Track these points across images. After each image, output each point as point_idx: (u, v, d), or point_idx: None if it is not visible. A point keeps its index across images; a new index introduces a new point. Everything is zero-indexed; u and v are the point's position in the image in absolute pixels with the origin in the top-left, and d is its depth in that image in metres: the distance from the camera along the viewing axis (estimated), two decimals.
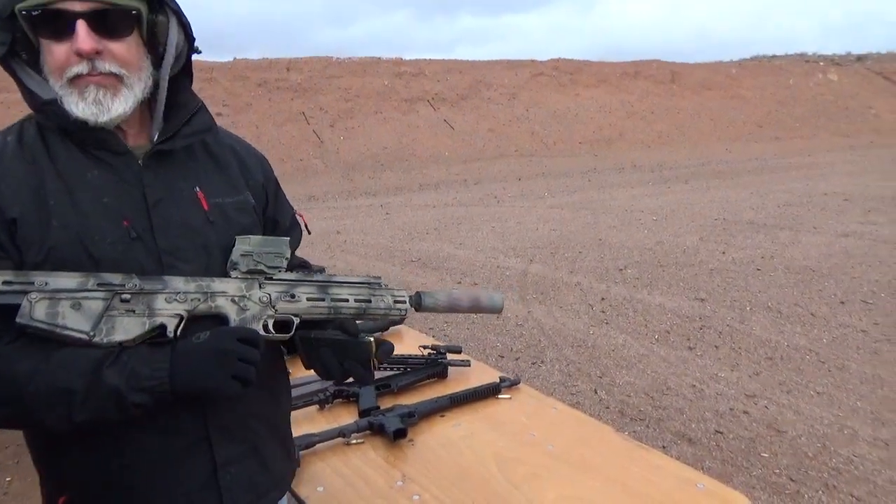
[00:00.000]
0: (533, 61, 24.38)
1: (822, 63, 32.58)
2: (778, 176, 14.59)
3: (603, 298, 5.68)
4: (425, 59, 22.52)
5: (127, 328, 0.92)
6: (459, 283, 6.38)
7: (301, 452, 1.56)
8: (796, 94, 27.97)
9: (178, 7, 1.02)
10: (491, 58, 24.02)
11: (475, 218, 10.28)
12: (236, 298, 1.01)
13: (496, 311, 1.34)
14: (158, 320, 0.94)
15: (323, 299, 1.09)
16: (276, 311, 1.05)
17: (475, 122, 20.36)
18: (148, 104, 1.05)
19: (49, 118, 0.97)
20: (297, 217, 1.30)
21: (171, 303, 0.95)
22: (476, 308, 1.31)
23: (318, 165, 16.59)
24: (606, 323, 5.04)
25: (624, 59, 26.43)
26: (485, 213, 10.84)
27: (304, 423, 1.73)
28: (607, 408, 3.61)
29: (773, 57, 38.04)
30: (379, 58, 21.88)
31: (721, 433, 3.29)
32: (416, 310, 1.23)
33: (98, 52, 0.93)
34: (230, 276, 1.03)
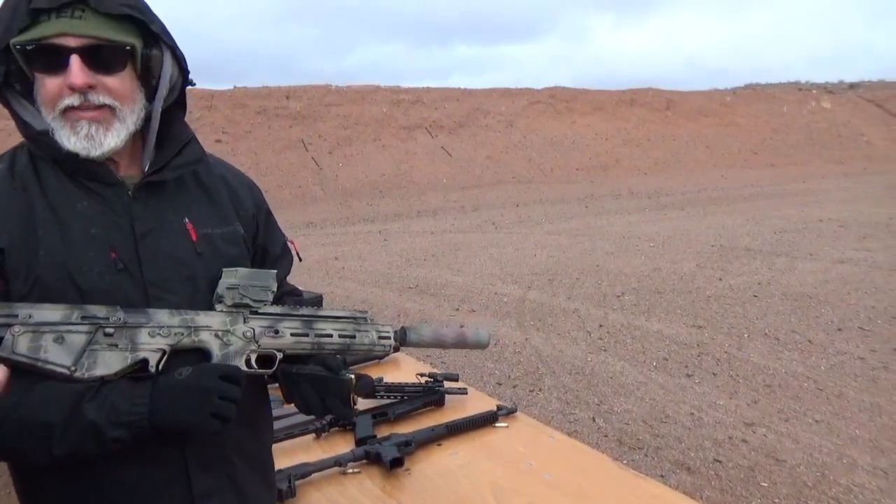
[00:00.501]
0: (529, 89, 24.65)
1: (814, 91, 33.00)
2: (773, 202, 14.68)
3: (601, 325, 5.67)
4: (423, 87, 22.77)
5: (109, 363, 0.91)
6: (457, 309, 6.38)
7: (297, 482, 1.55)
8: (790, 121, 28.27)
9: (174, 42, 1.04)
10: (487, 86, 24.30)
11: (473, 244, 10.31)
12: (220, 333, 1.01)
13: (481, 346, 1.34)
14: (141, 355, 0.93)
15: (307, 335, 1.09)
16: (259, 346, 1.04)
17: (473, 150, 20.52)
18: (140, 135, 1.06)
19: (41, 148, 0.98)
20: (289, 244, 1.30)
21: (155, 337, 0.95)
22: (461, 344, 1.32)
23: (317, 192, 16.67)
24: (604, 350, 5.04)
25: (618, 87, 26.78)
26: (482, 239, 10.87)
27: (300, 452, 1.72)
28: (606, 436, 3.59)
29: (767, 85, 38.50)
30: (377, 86, 22.12)
31: (720, 462, 3.27)
32: (401, 345, 1.23)
33: (91, 87, 0.94)
34: (215, 309, 1.03)
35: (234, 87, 20.06)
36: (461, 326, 1.29)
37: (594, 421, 3.78)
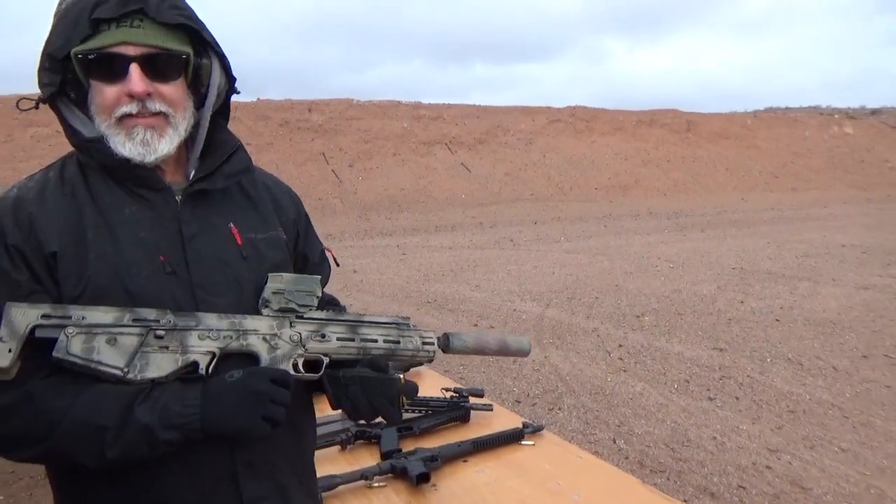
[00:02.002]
0: (549, 108, 24.73)
1: (836, 116, 32.75)
2: (794, 226, 14.53)
3: (620, 345, 5.62)
4: (444, 104, 22.92)
5: (160, 365, 0.92)
6: (475, 325, 6.35)
7: (322, 494, 1.54)
8: (811, 145, 28.06)
9: (222, 51, 1.06)
10: (506, 104, 24.44)
11: (491, 261, 10.29)
12: (267, 337, 1.01)
13: (524, 354, 1.33)
14: (191, 357, 0.94)
15: (353, 339, 1.09)
16: (306, 350, 1.04)
17: (492, 166, 20.56)
18: (185, 143, 1.07)
19: (91, 156, 0.99)
20: (326, 252, 1.30)
21: (204, 340, 0.96)
22: (504, 351, 1.30)
23: (336, 205, 16.77)
24: (624, 370, 4.98)
25: (635, 108, 26.79)
26: (501, 256, 10.85)
27: (326, 463, 1.71)
28: (626, 458, 3.53)
29: (788, 109, 38.29)
30: (398, 101, 22.30)
31: (744, 488, 3.21)
32: (444, 351, 1.21)
33: (149, 94, 0.96)
34: (262, 314, 1.03)
35: (258, 99, 20.34)
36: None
37: (615, 442, 3.73)
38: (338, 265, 1.35)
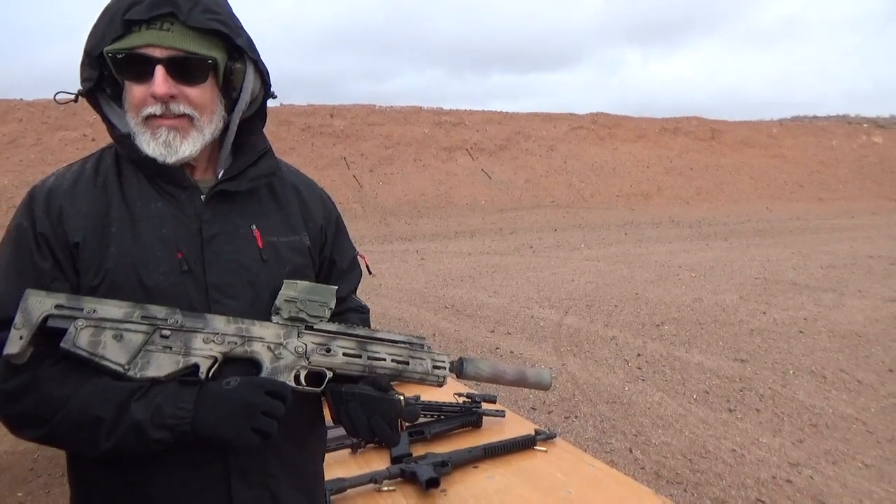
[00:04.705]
0: (571, 114, 24.66)
1: (865, 125, 32.21)
2: (820, 237, 14.29)
3: (639, 354, 5.56)
4: (466, 110, 22.96)
5: (161, 365, 0.93)
6: (493, 331, 6.33)
7: (332, 497, 1.54)
8: (839, 155, 27.62)
9: (258, 56, 1.07)
10: (527, 110, 24.43)
11: (510, 267, 10.26)
12: (272, 346, 1.01)
13: (543, 387, 1.25)
14: (193, 360, 0.95)
15: (359, 356, 1.07)
16: (309, 362, 1.03)
17: (512, 172, 20.53)
18: (219, 142, 1.09)
19: (124, 149, 1.02)
20: (359, 258, 1.30)
21: (209, 343, 0.96)
22: (521, 382, 1.23)
23: (357, 210, 16.85)
24: (642, 380, 4.92)
25: (656, 116, 26.59)
26: (520, 262, 10.81)
27: (336, 466, 1.71)
28: (643, 468, 3.49)
29: (815, 118, 37.76)
30: (420, 107, 22.38)
31: (763, 502, 3.14)
32: (457, 377, 1.18)
33: (172, 97, 0.97)
34: (272, 320, 1.03)
35: (281, 104, 20.53)
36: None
37: (631, 452, 3.68)
38: (370, 273, 1.34)
